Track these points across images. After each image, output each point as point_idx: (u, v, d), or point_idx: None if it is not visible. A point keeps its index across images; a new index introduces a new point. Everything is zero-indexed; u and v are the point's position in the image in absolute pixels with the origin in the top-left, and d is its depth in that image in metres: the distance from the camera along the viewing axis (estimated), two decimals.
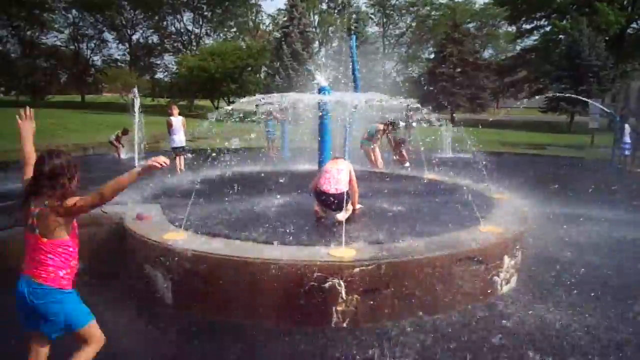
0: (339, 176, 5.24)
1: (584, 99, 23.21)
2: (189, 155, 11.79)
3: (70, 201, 2.72)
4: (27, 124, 3.22)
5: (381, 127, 11.07)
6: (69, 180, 2.77)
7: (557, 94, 29.31)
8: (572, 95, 25.79)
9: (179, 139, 11.43)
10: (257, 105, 6.36)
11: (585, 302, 4.50)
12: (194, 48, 57.62)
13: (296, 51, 38.64)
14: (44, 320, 2.78)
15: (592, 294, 4.68)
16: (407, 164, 11.38)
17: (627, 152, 15.00)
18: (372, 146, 11.05)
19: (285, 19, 45.07)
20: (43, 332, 2.83)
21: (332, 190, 5.12)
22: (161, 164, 2.76)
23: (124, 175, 2.78)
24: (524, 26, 51.44)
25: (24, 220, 2.77)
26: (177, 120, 11.49)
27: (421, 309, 4.20)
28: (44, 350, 2.91)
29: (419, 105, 6.61)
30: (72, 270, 2.87)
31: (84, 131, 24.56)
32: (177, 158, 11.26)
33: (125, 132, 15.75)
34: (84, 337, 2.91)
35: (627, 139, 14.80)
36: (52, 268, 2.76)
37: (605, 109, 18.75)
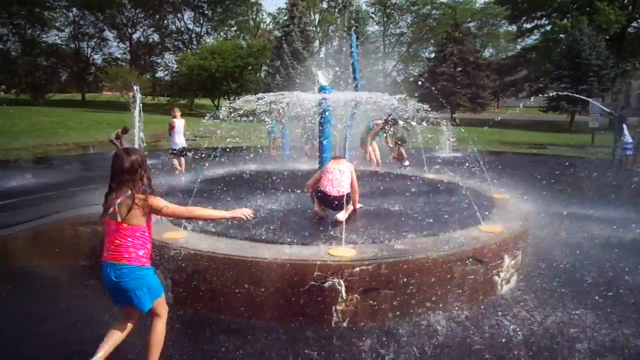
0: (341, 178, 5.21)
1: (585, 98, 23.08)
2: (189, 154, 11.85)
3: (157, 202, 3.16)
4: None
5: (379, 122, 11.03)
6: (145, 172, 3.18)
7: (560, 94, 29.26)
8: (575, 95, 25.77)
9: (180, 140, 11.53)
10: (258, 106, 6.35)
11: (586, 303, 4.49)
12: (195, 47, 57.58)
13: (297, 50, 38.67)
14: (133, 294, 3.14)
15: (593, 295, 4.67)
16: (407, 163, 11.36)
17: (628, 152, 14.96)
18: (368, 141, 11.02)
19: (285, 17, 45.12)
20: (135, 306, 3.20)
21: (334, 193, 5.11)
22: (247, 217, 3.35)
23: (214, 212, 3.49)
24: (524, 25, 51.40)
25: (106, 209, 3.15)
26: (180, 123, 11.66)
27: (421, 308, 4.20)
28: (133, 322, 3.33)
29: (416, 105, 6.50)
30: (148, 250, 3.23)
31: (84, 130, 24.57)
32: (177, 159, 11.35)
33: (125, 130, 15.75)
34: (157, 307, 3.27)
35: (629, 139, 14.76)
36: (132, 249, 3.11)
37: (605, 109, 18.64)
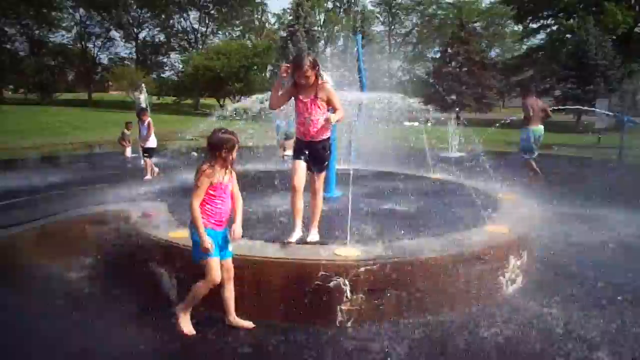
0: None
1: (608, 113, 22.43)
2: (194, 154, 11.89)
3: (202, 174, 3.64)
4: None
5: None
6: (227, 152, 3.68)
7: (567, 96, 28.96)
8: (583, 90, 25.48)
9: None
10: (261, 102, 6.34)
11: (593, 304, 4.47)
12: (200, 47, 57.74)
13: (302, 50, 38.67)
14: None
15: (600, 296, 4.64)
16: (287, 152, 11.46)
17: None
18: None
19: (291, 17, 45.19)
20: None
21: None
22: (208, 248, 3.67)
23: (201, 227, 3.67)
24: (530, 25, 51.16)
25: None
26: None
27: (426, 308, 4.20)
28: (226, 273, 3.85)
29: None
30: (213, 217, 3.75)
31: (91, 129, 24.69)
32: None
33: (128, 126, 16.02)
34: (204, 267, 3.72)
35: None
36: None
37: (609, 112, 18.42)
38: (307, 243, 4.41)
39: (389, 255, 4.12)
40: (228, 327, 3.95)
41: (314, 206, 4.53)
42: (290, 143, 11.71)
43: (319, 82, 4.27)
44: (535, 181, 9.68)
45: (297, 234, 4.35)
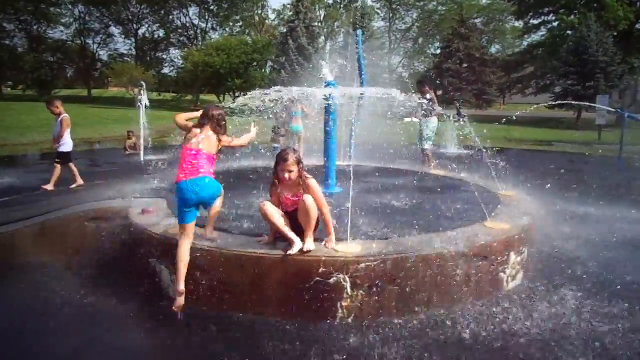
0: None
1: (613, 109, 22.27)
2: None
3: (226, 139, 4.40)
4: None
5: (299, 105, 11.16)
6: (224, 122, 4.41)
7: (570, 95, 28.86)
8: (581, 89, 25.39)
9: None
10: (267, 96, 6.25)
11: (592, 300, 4.47)
12: (200, 42, 57.64)
13: (302, 46, 38.61)
14: (213, 195, 4.29)
15: (599, 292, 4.65)
16: (276, 145, 11.55)
17: None
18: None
19: (290, 13, 45.09)
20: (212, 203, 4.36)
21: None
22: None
23: (246, 137, 4.76)
24: (531, 21, 50.93)
25: (189, 138, 4.24)
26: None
27: (426, 305, 4.20)
28: (191, 237, 4.17)
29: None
30: (213, 171, 4.29)
31: (90, 125, 24.62)
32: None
33: (129, 135, 15.70)
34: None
35: None
36: (206, 167, 4.15)
37: (611, 109, 18.40)
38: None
39: (389, 252, 4.12)
40: (225, 325, 3.95)
41: (304, 217, 4.16)
42: (278, 137, 11.93)
43: (303, 178, 4.20)
44: (432, 168, 9.77)
45: (296, 246, 4.09)
